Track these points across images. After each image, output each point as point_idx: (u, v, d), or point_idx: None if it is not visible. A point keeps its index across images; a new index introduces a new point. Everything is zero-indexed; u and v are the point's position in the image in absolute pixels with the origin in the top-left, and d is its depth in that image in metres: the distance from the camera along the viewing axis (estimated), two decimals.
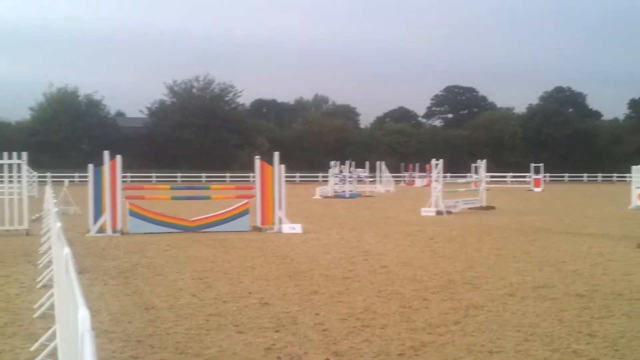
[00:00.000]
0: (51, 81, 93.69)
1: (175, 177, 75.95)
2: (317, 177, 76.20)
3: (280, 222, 18.46)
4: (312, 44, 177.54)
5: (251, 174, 44.64)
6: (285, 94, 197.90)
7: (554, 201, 37.10)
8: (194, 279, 10.60)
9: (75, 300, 3.10)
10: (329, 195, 40.75)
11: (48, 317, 7.69)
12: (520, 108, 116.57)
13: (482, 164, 30.66)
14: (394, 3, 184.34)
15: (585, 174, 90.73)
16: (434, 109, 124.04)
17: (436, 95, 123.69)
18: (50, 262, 10.65)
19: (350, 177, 43.05)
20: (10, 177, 17.66)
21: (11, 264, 12.28)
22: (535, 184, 54.66)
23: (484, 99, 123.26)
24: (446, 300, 8.88)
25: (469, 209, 27.25)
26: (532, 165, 56.11)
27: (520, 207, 30.88)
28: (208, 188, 25.21)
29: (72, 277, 3.59)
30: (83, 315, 2.54)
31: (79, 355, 2.41)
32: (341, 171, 42.78)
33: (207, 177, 75.92)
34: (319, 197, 39.79)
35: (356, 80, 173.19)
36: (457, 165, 75.17)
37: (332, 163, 42.90)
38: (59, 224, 6.54)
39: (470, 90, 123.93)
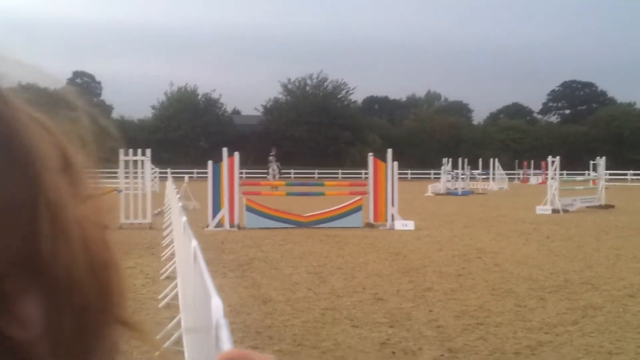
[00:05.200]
0: (172, 80, 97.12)
1: (289, 173, 77.08)
2: (429, 174, 75.37)
3: (393, 219, 18.52)
4: (424, 40, 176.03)
5: (363, 171, 44.87)
6: (397, 91, 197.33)
7: None
8: (309, 274, 10.84)
9: (206, 290, 3.22)
10: (441, 192, 40.38)
11: (172, 307, 8.07)
12: None
13: (601, 161, 29.70)
14: (511, 2, 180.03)
15: None
16: (550, 104, 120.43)
17: (553, 91, 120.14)
18: (172, 254, 11.14)
19: (462, 174, 42.57)
20: (135, 172, 18.48)
21: (136, 255, 12.88)
22: None
23: (603, 94, 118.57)
24: (563, 300, 8.74)
25: (587, 207, 26.42)
26: None
27: None
28: (322, 184, 25.47)
29: (202, 267, 3.78)
30: (216, 303, 2.66)
31: (212, 342, 2.52)
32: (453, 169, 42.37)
33: (319, 173, 76.64)
34: (431, 194, 39.52)
35: (469, 76, 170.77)
36: (574, 162, 72.64)
37: (444, 160, 42.52)
38: (184, 218, 6.84)
39: (589, 85, 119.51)
